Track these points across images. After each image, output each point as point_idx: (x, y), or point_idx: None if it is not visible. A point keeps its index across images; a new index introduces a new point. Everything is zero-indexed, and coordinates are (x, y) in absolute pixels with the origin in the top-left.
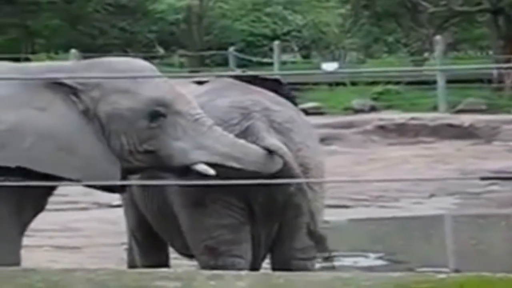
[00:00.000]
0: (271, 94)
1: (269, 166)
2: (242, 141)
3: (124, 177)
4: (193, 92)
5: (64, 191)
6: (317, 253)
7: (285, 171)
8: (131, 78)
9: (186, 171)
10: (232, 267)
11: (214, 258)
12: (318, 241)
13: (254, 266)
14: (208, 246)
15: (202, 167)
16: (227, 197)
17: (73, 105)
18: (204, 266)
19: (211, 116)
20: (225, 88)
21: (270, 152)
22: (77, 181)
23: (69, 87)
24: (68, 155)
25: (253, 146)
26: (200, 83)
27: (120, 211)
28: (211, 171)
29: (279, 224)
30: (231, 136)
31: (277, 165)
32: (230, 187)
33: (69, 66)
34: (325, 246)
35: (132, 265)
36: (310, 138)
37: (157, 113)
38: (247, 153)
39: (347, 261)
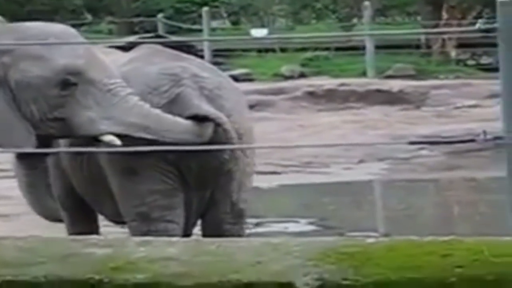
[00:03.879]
0: (199, 60)
1: (188, 136)
2: (157, 111)
3: (41, 144)
4: (119, 59)
5: None
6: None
7: (218, 139)
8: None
9: (95, 140)
10: (165, 232)
11: (146, 224)
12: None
13: (186, 232)
14: (141, 212)
15: (109, 138)
16: (159, 163)
17: None
18: (136, 233)
19: (139, 83)
20: (152, 55)
21: (207, 120)
22: None
23: None
24: None
25: (169, 116)
26: (126, 49)
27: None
28: (118, 142)
29: (211, 190)
30: (147, 106)
31: (200, 136)
32: (163, 153)
33: None
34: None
35: None
36: (240, 104)
37: (68, 82)
38: (161, 123)
39: (278, 227)
